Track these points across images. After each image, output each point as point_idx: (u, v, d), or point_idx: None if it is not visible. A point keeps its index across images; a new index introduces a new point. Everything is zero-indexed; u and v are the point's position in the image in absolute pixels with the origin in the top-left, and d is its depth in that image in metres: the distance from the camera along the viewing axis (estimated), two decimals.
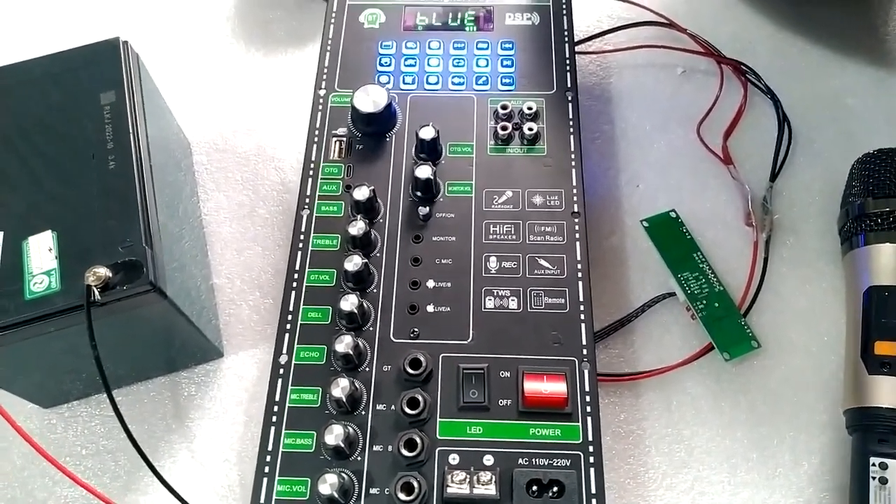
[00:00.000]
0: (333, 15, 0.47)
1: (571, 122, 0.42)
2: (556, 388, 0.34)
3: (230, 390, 0.43)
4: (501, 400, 0.34)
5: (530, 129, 0.41)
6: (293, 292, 0.37)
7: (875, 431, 0.37)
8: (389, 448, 0.33)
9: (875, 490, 0.36)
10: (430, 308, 0.37)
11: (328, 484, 0.31)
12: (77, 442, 0.41)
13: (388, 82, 0.44)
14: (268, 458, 0.33)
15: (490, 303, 0.37)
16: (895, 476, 0.36)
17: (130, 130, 0.38)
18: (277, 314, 0.37)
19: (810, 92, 0.52)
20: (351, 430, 0.33)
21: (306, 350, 0.36)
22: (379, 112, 0.41)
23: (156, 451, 0.41)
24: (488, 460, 0.33)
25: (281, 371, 0.35)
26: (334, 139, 0.42)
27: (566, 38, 0.45)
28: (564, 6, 0.47)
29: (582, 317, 0.36)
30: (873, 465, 0.36)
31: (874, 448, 0.37)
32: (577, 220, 0.39)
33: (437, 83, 0.44)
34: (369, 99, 0.41)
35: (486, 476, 0.32)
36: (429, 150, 0.41)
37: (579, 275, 0.37)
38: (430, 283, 0.37)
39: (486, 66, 0.44)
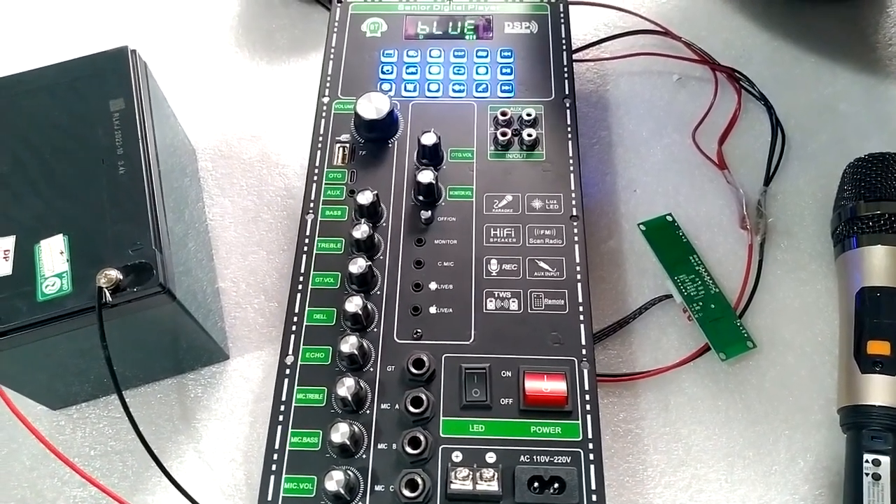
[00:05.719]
0: (336, 24, 0.48)
1: (570, 129, 0.43)
2: (556, 386, 0.35)
3: (236, 391, 0.43)
4: (503, 399, 0.35)
5: (529, 135, 0.42)
6: (299, 294, 0.38)
7: (868, 429, 0.38)
8: (394, 446, 0.34)
9: (868, 486, 0.37)
10: (432, 309, 0.37)
11: (334, 481, 0.32)
12: (85, 443, 0.42)
13: (390, 90, 0.45)
14: (275, 457, 0.34)
15: (491, 304, 0.38)
16: (888, 473, 0.37)
17: (139, 136, 0.39)
18: (282, 317, 0.38)
19: (803, 98, 0.53)
20: (356, 428, 0.34)
21: (312, 351, 0.36)
22: (381, 119, 0.42)
23: (163, 452, 0.41)
24: (490, 457, 0.33)
25: (287, 371, 0.36)
26: (338, 145, 0.43)
27: (564, 46, 0.46)
28: (562, 15, 0.48)
29: (581, 317, 0.37)
30: (867, 461, 0.37)
31: (867, 445, 0.37)
32: (575, 224, 0.40)
33: (437, 90, 0.45)
34: (372, 106, 0.42)
35: (488, 473, 0.33)
36: (430, 156, 0.42)
37: (578, 277, 0.38)
38: (433, 285, 0.38)
39: (486, 73, 0.45)
